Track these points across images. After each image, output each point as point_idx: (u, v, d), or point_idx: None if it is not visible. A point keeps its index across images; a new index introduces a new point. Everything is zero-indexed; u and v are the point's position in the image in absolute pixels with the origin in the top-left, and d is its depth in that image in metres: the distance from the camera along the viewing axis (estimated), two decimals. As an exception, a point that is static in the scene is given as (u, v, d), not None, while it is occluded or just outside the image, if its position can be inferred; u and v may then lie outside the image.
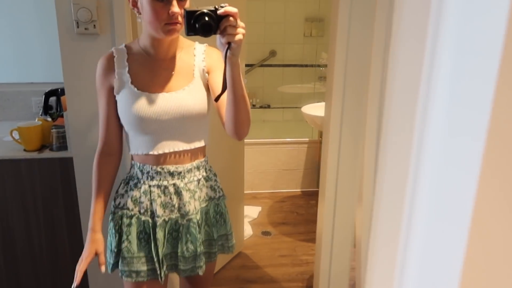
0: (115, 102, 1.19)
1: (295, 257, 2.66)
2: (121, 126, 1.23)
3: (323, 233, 1.87)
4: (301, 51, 4.05)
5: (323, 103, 3.08)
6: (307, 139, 3.52)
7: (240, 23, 0.98)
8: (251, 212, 3.20)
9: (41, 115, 2.00)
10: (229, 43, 0.98)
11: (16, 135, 1.68)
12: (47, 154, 1.66)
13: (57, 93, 2.03)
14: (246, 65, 3.70)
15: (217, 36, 1.00)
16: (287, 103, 4.21)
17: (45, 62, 2.23)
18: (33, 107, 2.20)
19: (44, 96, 2.02)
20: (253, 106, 4.15)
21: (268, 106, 4.21)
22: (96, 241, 1.22)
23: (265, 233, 2.94)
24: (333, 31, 1.67)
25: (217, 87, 1.18)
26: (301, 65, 4.07)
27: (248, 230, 2.93)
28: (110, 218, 1.26)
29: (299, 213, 3.24)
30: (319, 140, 3.43)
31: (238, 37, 0.97)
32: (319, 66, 4.01)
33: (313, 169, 3.57)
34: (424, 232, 0.49)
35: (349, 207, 1.83)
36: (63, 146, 1.68)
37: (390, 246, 0.54)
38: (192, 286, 1.44)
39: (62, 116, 1.90)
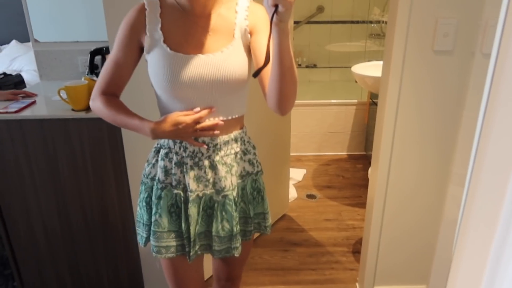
0: (133, 58, 1.08)
1: (340, 222, 2.59)
2: (126, 81, 1.11)
3: (375, 199, 1.78)
4: (350, 6, 3.79)
5: (374, 62, 2.90)
6: (356, 100, 3.36)
7: None
8: (296, 174, 3.14)
9: (87, 74, 1.99)
10: (276, 6, 0.81)
11: (63, 94, 1.67)
12: (94, 113, 1.65)
13: (102, 51, 2.01)
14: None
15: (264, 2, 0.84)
16: (335, 63, 4.01)
17: (89, 20, 2.20)
18: (79, 66, 2.20)
19: (89, 55, 2.00)
20: (299, 65, 3.99)
21: (315, 66, 4.03)
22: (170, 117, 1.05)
23: (310, 196, 2.89)
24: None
25: (260, 53, 1.04)
26: (351, 22, 3.82)
27: (292, 193, 2.88)
28: (140, 189, 1.19)
29: (345, 177, 3.15)
30: (368, 102, 3.26)
31: None
32: (370, 22, 3.75)
33: (361, 132, 3.42)
34: None
35: (404, 173, 1.72)
36: (109, 105, 1.66)
37: (488, 225, 0.45)
38: (225, 266, 1.36)
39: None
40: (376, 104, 2.87)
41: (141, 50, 1.08)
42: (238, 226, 1.15)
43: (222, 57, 1.03)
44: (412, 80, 1.59)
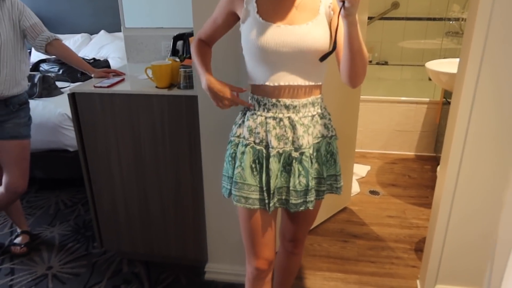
0: (229, 23, 1.29)
1: (404, 219, 2.54)
2: (221, 36, 1.34)
3: (442, 200, 1.74)
4: (428, 3, 3.66)
5: (450, 59, 2.79)
6: (427, 99, 3.25)
7: None
8: (360, 170, 3.12)
9: (170, 56, 2.15)
10: (343, 1, 0.96)
11: (149, 73, 1.83)
12: (175, 91, 1.79)
13: (184, 37, 2.16)
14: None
15: None
16: (407, 60, 3.90)
17: (172, 8, 2.37)
18: (162, 51, 2.37)
19: (172, 40, 2.16)
20: (370, 62, 3.93)
21: (386, 63, 3.95)
22: (224, 85, 1.26)
23: (373, 192, 2.85)
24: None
25: (333, 31, 1.18)
26: (427, 18, 3.70)
27: (355, 187, 2.87)
28: (227, 147, 1.33)
29: (411, 177, 3.07)
30: (441, 101, 3.14)
31: None
32: (449, 19, 3.60)
33: (431, 132, 3.30)
34: None
35: (474, 176, 1.66)
36: (189, 85, 1.79)
37: None
38: (292, 226, 1.46)
39: (189, 57, 2.02)
40: (450, 103, 2.76)
41: (236, 19, 1.27)
42: (313, 182, 1.26)
43: (306, 29, 1.16)
44: (491, 77, 1.53)
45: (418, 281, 2.02)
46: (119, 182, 1.99)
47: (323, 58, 1.15)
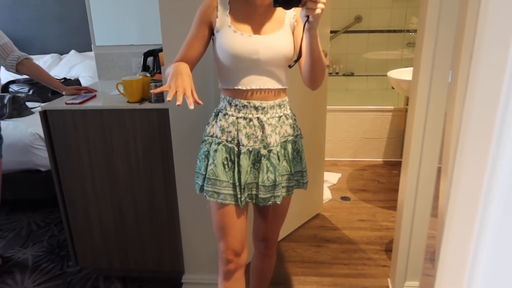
0: (205, 35, 1.33)
1: (374, 222, 2.64)
2: (198, 56, 1.34)
3: (405, 201, 1.84)
4: (388, 16, 3.87)
5: (410, 68, 2.93)
6: (392, 107, 3.40)
7: None
8: (331, 178, 3.21)
9: (141, 71, 2.20)
10: (308, 16, 1.12)
11: (121, 88, 1.88)
12: (146, 105, 1.83)
13: (154, 53, 2.22)
14: (330, 32, 3.65)
15: (301, 8, 1.14)
16: (372, 71, 4.08)
17: (142, 25, 2.43)
18: (133, 67, 2.42)
19: (143, 56, 2.22)
20: (336, 73, 4.09)
21: (352, 74, 4.12)
22: (190, 76, 1.22)
23: (344, 198, 2.95)
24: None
25: (297, 41, 1.32)
26: (388, 31, 3.90)
27: (327, 194, 2.96)
28: (201, 145, 1.42)
29: (380, 182, 3.19)
30: (405, 108, 3.30)
31: (316, 11, 1.10)
32: (408, 31, 3.80)
33: (398, 138, 3.45)
34: (502, 206, 0.48)
35: (432, 177, 1.77)
36: (160, 98, 1.84)
37: (467, 220, 0.53)
38: (263, 224, 1.53)
39: (159, 72, 2.07)
40: (412, 109, 2.91)
41: (211, 32, 1.35)
42: (281, 178, 1.36)
43: (275, 38, 1.30)
44: (443, 82, 1.65)
45: (389, 280, 2.11)
46: (93, 198, 2.00)
47: (291, 66, 1.30)
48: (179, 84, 1.14)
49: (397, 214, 1.99)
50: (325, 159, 2.94)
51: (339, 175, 3.30)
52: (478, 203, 0.51)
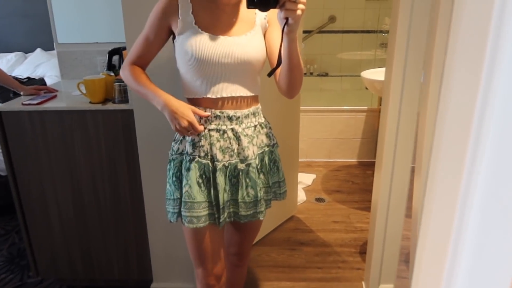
0: (162, 38, 1.21)
1: (348, 224, 2.61)
2: (152, 58, 1.25)
3: (379, 202, 1.82)
4: (362, 16, 3.87)
5: (383, 69, 2.94)
6: (366, 107, 3.40)
7: None
8: (305, 179, 3.18)
9: (105, 70, 2.09)
10: (287, 18, 0.98)
11: (82, 88, 1.77)
12: (110, 106, 1.74)
13: (120, 51, 2.12)
14: (304, 32, 3.62)
15: (278, 10, 1.00)
16: (346, 71, 4.07)
17: (108, 22, 2.33)
18: (98, 66, 2.31)
19: (108, 55, 2.11)
20: (310, 73, 4.06)
21: (326, 74, 4.10)
22: (186, 106, 1.17)
23: (319, 200, 2.91)
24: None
25: (271, 51, 1.20)
26: (362, 31, 3.90)
27: (301, 196, 2.92)
28: (168, 167, 1.27)
29: (354, 182, 3.17)
30: (378, 108, 3.29)
31: (297, 13, 0.97)
32: (381, 32, 3.81)
33: (372, 139, 3.45)
34: (480, 205, 0.46)
35: (406, 177, 1.75)
36: (124, 99, 1.75)
37: (445, 220, 0.51)
38: (237, 238, 1.44)
39: (124, 71, 1.97)
40: (385, 109, 2.90)
41: (169, 33, 1.21)
42: (262, 192, 1.25)
43: (246, 40, 1.17)
44: (416, 82, 1.63)
45: (363, 283, 2.08)
46: (54, 204, 1.89)
47: (270, 73, 1.15)
48: (185, 126, 1.16)
49: (371, 215, 1.96)
50: (299, 160, 2.90)
51: (314, 176, 3.26)
52: (456, 202, 0.48)
